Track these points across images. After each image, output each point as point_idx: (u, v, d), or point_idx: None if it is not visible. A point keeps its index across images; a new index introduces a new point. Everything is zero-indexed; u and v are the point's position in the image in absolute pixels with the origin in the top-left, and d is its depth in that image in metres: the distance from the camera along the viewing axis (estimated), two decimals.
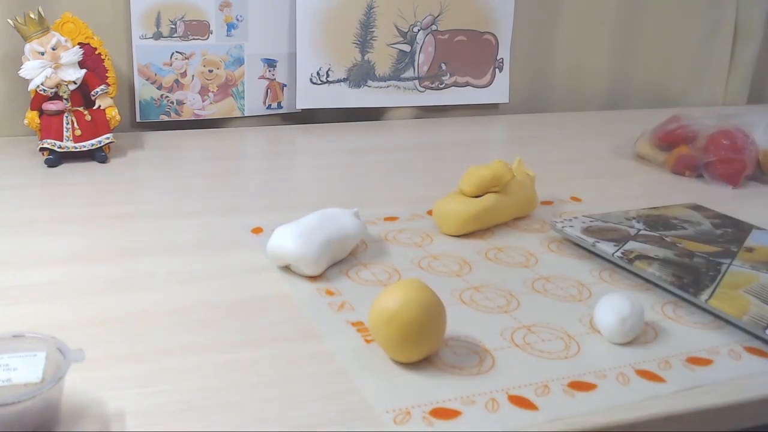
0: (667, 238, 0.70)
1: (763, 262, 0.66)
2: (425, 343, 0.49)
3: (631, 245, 0.68)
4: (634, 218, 0.75)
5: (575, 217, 0.74)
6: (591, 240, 0.68)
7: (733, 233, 0.73)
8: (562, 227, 0.71)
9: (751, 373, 0.50)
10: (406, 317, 0.48)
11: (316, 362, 0.50)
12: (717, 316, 0.58)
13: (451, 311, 0.57)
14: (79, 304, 0.56)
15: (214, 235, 0.70)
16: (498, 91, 1.27)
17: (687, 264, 0.64)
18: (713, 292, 0.59)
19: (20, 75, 0.89)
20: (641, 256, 0.65)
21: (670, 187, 0.91)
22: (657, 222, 0.75)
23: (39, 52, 0.89)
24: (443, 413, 0.45)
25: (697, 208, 0.80)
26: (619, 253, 0.66)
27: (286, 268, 0.62)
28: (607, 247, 0.67)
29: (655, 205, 0.81)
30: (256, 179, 0.91)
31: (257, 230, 0.71)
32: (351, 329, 0.54)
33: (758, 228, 0.75)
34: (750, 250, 0.69)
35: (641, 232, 0.71)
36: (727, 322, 0.57)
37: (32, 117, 0.90)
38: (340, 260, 0.64)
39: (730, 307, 0.57)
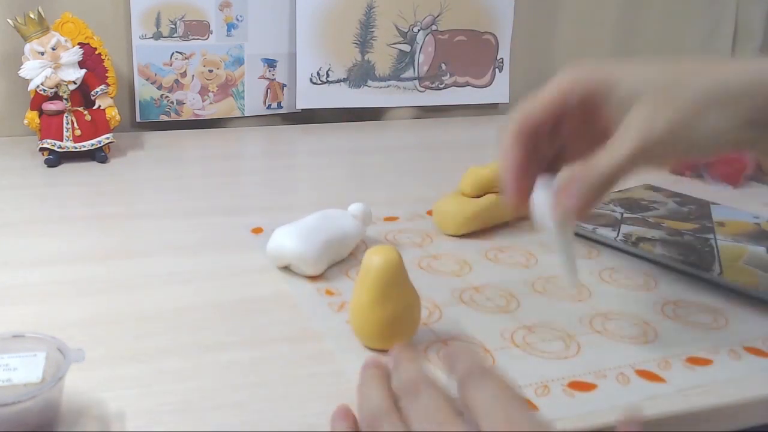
0: (650, 219, 0.71)
1: (740, 234, 0.68)
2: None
3: (625, 229, 0.68)
4: (610, 202, 0.76)
5: None
6: (590, 226, 0.69)
7: (696, 210, 0.75)
8: None
9: (751, 373, 0.50)
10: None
11: (316, 362, 0.50)
12: (726, 296, 0.59)
13: (451, 311, 0.57)
14: (79, 304, 0.56)
15: (214, 235, 0.70)
16: (498, 91, 1.27)
17: (682, 242, 0.65)
18: (721, 266, 0.60)
19: (20, 75, 0.89)
20: (642, 239, 0.66)
21: (670, 187, 0.91)
22: (631, 204, 0.76)
23: (39, 52, 0.89)
24: None
25: (653, 188, 0.82)
26: (620, 237, 0.66)
27: (286, 268, 0.62)
28: (606, 232, 0.67)
29: None
30: (256, 179, 0.91)
31: (257, 230, 0.71)
32: (351, 329, 0.54)
33: (713, 203, 0.77)
34: (722, 224, 0.71)
35: (625, 215, 0.72)
36: (737, 300, 0.58)
37: (32, 117, 0.90)
38: (340, 260, 0.64)
39: (743, 278, 0.58)
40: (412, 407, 0.36)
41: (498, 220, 0.74)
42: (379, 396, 0.37)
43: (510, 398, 0.35)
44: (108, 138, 0.92)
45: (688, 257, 0.62)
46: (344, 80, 1.17)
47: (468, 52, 1.23)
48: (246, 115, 1.14)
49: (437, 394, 0.36)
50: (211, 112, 1.11)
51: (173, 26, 1.05)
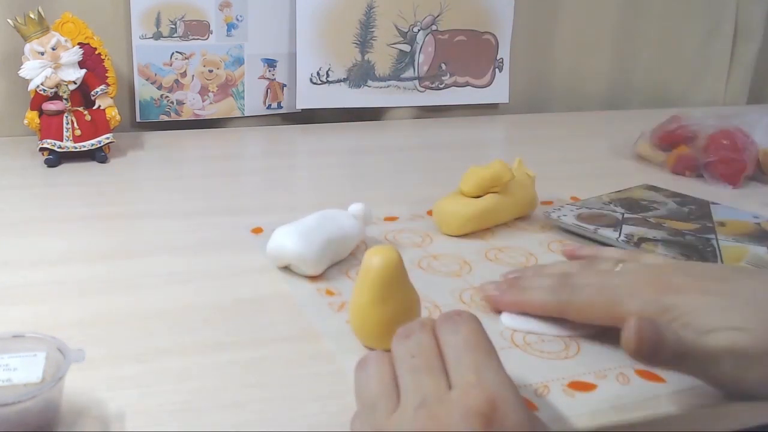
0: (650, 220, 0.71)
1: (741, 234, 0.68)
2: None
3: (627, 229, 0.68)
4: (610, 202, 0.76)
5: (562, 207, 0.75)
6: (592, 227, 0.69)
7: (696, 210, 0.76)
8: (558, 216, 0.72)
9: None
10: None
11: (316, 362, 0.50)
12: None
13: None
14: (79, 304, 0.56)
15: (214, 235, 0.70)
16: (498, 91, 1.27)
17: (684, 243, 0.65)
18: None
19: (20, 75, 0.89)
20: (644, 239, 0.66)
21: (670, 187, 0.91)
22: (632, 204, 0.76)
23: (39, 52, 0.89)
24: None
25: (652, 188, 0.83)
26: (622, 238, 0.66)
27: (286, 268, 0.62)
28: (607, 233, 0.67)
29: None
30: (256, 179, 0.91)
31: (257, 230, 0.71)
32: (351, 329, 0.54)
33: (713, 203, 0.77)
34: (722, 224, 0.71)
35: (626, 216, 0.72)
36: None
37: (32, 117, 0.90)
38: (340, 260, 0.64)
39: None
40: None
41: (498, 220, 0.74)
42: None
43: (479, 344, 0.38)
44: (108, 138, 0.92)
45: (691, 258, 0.62)
46: (344, 80, 1.17)
47: (468, 52, 1.23)
48: (246, 115, 1.14)
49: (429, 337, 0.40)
50: (211, 112, 1.11)
51: (173, 26, 1.05)
